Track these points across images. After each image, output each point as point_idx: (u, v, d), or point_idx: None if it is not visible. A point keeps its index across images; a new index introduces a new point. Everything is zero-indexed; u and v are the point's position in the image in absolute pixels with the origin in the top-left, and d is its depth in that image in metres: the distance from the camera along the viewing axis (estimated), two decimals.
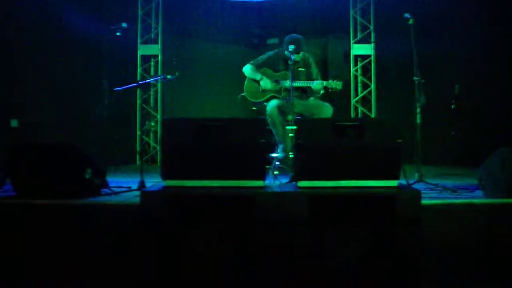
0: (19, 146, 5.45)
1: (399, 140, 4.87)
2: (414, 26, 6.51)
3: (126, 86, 6.87)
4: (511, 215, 4.95)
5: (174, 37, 11.36)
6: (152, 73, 11.28)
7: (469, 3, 9.76)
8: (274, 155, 7.16)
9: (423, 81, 6.37)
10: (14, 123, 8.81)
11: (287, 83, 7.25)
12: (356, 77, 11.30)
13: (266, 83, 7.53)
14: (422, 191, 5.07)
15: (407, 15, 6.54)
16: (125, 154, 10.51)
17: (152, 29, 11.34)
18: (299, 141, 4.88)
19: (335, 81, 7.20)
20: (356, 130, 4.86)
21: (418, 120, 6.35)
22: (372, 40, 11.19)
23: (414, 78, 6.38)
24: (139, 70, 11.20)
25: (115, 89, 6.87)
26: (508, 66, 9.38)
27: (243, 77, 7.73)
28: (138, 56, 11.29)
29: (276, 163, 6.62)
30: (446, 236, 4.86)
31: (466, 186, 6.08)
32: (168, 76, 7.23)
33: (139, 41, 11.28)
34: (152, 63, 11.39)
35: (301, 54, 7.50)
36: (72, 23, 9.43)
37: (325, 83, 7.21)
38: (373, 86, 11.15)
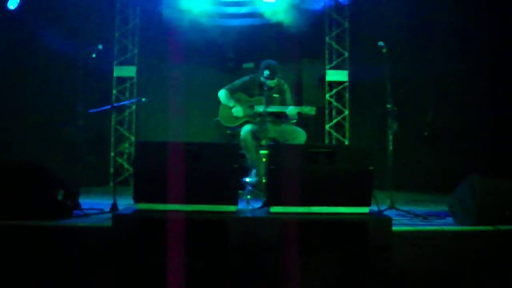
0: None
1: (370, 167, 4.92)
2: (387, 54, 6.60)
3: (101, 108, 6.85)
4: (481, 242, 5.00)
5: (150, 59, 11.33)
6: (127, 95, 11.24)
7: (442, 31, 9.90)
8: (247, 179, 7.16)
9: (395, 108, 6.44)
10: None
11: (261, 109, 7.28)
12: (330, 103, 11.35)
13: (238, 111, 7.58)
14: (394, 218, 5.14)
15: (381, 43, 6.62)
16: (98, 176, 10.45)
17: (129, 51, 11.33)
18: (271, 166, 4.92)
19: (308, 106, 7.25)
20: (328, 156, 4.92)
21: (390, 147, 6.41)
22: (347, 66, 11.28)
23: (387, 105, 6.45)
24: (114, 91, 11.15)
25: (90, 111, 6.85)
26: (481, 93, 9.53)
27: (218, 101, 7.77)
28: (114, 77, 11.25)
29: (249, 187, 6.63)
30: (416, 262, 4.89)
31: (437, 213, 6.14)
32: (143, 99, 7.23)
33: (115, 62, 11.25)
34: (127, 85, 11.35)
35: (275, 80, 7.54)
36: (47, 44, 9.39)
37: (299, 108, 7.26)
38: (347, 112, 11.22)
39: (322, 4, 11.00)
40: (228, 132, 7.92)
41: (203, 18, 10.91)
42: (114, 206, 5.78)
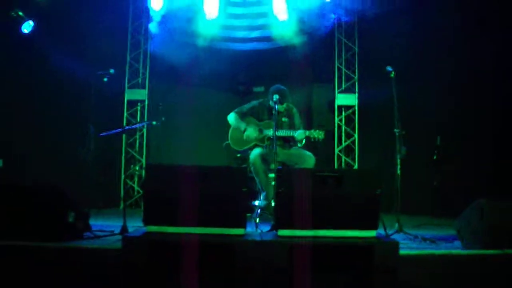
0: (2, 186, 5.47)
1: (378, 191, 4.95)
2: (396, 78, 6.66)
3: (112, 132, 6.95)
4: (489, 266, 5.00)
5: (160, 82, 11.42)
6: (138, 118, 11.33)
7: (451, 53, 9.95)
8: (256, 202, 7.20)
9: (403, 132, 6.49)
10: None
11: (270, 132, 7.33)
12: (340, 126, 11.41)
13: (250, 133, 7.63)
14: (401, 241, 5.17)
15: (389, 68, 6.69)
16: (109, 198, 10.50)
17: (140, 74, 11.44)
18: (280, 190, 4.96)
19: (317, 130, 7.29)
20: (335, 180, 4.96)
21: (398, 171, 6.45)
22: (356, 90, 11.34)
23: (395, 130, 6.50)
24: (125, 114, 11.26)
25: (101, 134, 6.94)
26: (490, 117, 9.54)
27: (228, 124, 7.83)
28: (125, 100, 11.37)
29: (258, 211, 6.66)
30: (424, 286, 4.90)
31: (445, 237, 6.16)
32: (154, 122, 7.31)
33: (126, 85, 11.36)
34: (138, 107, 11.45)
35: (285, 104, 7.58)
36: (60, 67, 9.50)
37: (307, 132, 7.29)
38: (356, 135, 11.26)
39: (331, 25, 11.10)
40: (238, 155, 7.97)
41: (214, 42, 11.03)
42: (124, 228, 5.84)
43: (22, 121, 9.83)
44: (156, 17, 10.48)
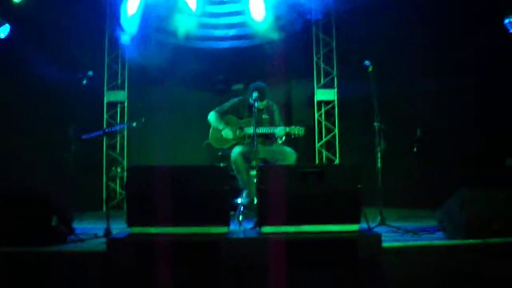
0: None
1: (359, 185, 5.00)
2: (374, 72, 6.71)
3: (93, 134, 6.95)
4: (470, 256, 5.06)
5: (140, 83, 11.38)
6: (118, 119, 11.29)
7: (429, 46, 10.00)
8: (239, 200, 7.20)
9: (382, 126, 6.54)
10: None
11: (250, 130, 7.35)
12: (320, 122, 11.46)
13: (227, 133, 7.66)
14: (384, 234, 5.21)
15: (367, 62, 6.74)
16: (91, 201, 10.47)
17: (119, 76, 11.40)
18: (261, 187, 4.99)
19: (297, 127, 7.31)
20: (317, 176, 4.99)
21: (379, 164, 6.50)
22: (335, 85, 11.39)
23: (374, 124, 6.55)
24: (105, 116, 11.22)
25: (83, 137, 6.94)
26: (470, 108, 9.60)
27: (208, 123, 7.84)
28: (105, 102, 11.33)
29: (241, 208, 6.68)
30: (407, 278, 4.93)
31: (427, 228, 6.20)
32: (134, 124, 7.31)
33: (105, 87, 11.32)
34: (118, 109, 11.41)
35: (265, 101, 7.61)
36: (39, 71, 9.46)
37: (287, 129, 7.31)
38: (337, 130, 11.32)
39: (308, 20, 11.13)
40: (219, 153, 7.98)
41: (192, 41, 11.03)
42: (107, 231, 5.82)
43: (1, 126, 9.77)
44: (128, 27, 10.44)
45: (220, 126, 7.70)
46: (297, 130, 7.28)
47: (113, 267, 4.63)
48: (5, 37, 9.46)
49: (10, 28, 9.46)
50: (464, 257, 5.06)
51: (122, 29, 10.49)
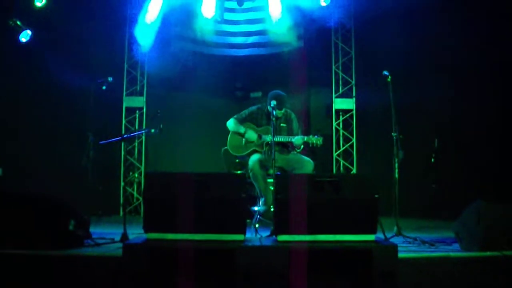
0: (2, 195, 5.49)
1: (376, 195, 4.99)
2: (393, 82, 6.70)
3: (111, 140, 6.98)
4: (487, 268, 5.03)
5: (158, 89, 11.44)
6: (136, 125, 11.35)
7: (448, 57, 9.97)
8: (255, 208, 7.21)
9: (401, 136, 6.53)
10: None
11: (268, 138, 7.36)
12: (337, 131, 11.44)
13: (251, 135, 7.64)
14: (400, 245, 5.19)
15: (385, 72, 6.73)
16: (108, 205, 10.49)
17: (138, 82, 11.45)
18: (278, 195, 4.99)
19: (315, 136, 7.30)
20: (334, 185, 4.99)
21: (396, 174, 6.48)
22: (353, 94, 11.37)
23: (392, 134, 6.54)
24: (123, 121, 11.30)
25: (101, 142, 6.97)
26: (488, 120, 9.57)
27: (227, 130, 7.84)
28: (123, 108, 11.40)
29: (258, 216, 6.68)
30: None
31: (444, 239, 6.17)
32: (152, 130, 7.34)
33: (124, 93, 11.38)
34: (136, 115, 11.47)
35: (283, 110, 7.61)
36: (59, 76, 9.53)
37: (306, 138, 7.30)
38: (354, 139, 11.29)
39: (328, 29, 11.16)
40: (237, 161, 7.99)
41: (210, 48, 11.07)
42: (124, 236, 5.84)
43: (21, 130, 9.88)
44: (147, 34, 10.53)
45: (242, 130, 7.69)
46: (315, 140, 7.27)
47: (128, 272, 4.65)
48: (27, 42, 9.56)
49: (31, 33, 9.55)
50: (481, 269, 5.03)
51: (141, 36, 10.56)
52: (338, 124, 11.47)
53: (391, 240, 5.79)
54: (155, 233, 4.98)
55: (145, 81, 11.50)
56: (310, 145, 7.33)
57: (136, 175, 11.35)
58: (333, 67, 11.58)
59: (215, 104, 11.23)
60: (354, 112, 11.37)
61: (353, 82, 11.40)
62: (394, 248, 4.81)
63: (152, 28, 10.54)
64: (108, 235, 6.16)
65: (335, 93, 11.51)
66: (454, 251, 5.45)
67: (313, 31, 11.11)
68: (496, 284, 4.97)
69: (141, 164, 11.39)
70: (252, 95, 11.48)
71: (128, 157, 11.34)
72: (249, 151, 7.64)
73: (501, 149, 9.28)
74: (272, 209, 6.66)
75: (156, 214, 4.99)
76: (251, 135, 7.64)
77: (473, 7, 9.52)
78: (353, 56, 11.45)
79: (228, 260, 4.65)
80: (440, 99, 9.92)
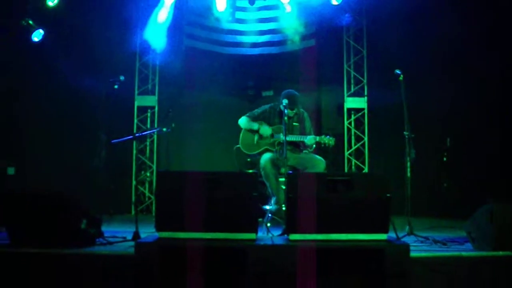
0: (14, 194, 5.52)
1: (388, 194, 4.98)
2: (405, 81, 6.68)
3: (123, 139, 7.00)
4: (499, 268, 5.02)
5: (170, 88, 11.44)
6: (148, 124, 11.37)
7: (459, 57, 9.93)
8: (267, 207, 7.21)
9: (413, 135, 6.51)
10: (10, 170, 8.86)
11: (281, 137, 7.36)
12: (349, 130, 11.40)
13: (265, 130, 7.65)
14: (412, 244, 5.18)
15: (397, 71, 6.71)
16: (120, 204, 10.53)
17: (150, 80, 11.47)
18: (290, 194, 4.99)
19: (328, 137, 7.31)
20: (345, 184, 4.99)
21: (408, 174, 6.47)
22: (365, 93, 11.34)
23: (404, 132, 6.52)
24: (135, 120, 11.32)
25: (112, 141, 6.99)
26: (501, 118, 9.53)
27: (238, 128, 7.86)
28: (135, 107, 11.42)
29: (269, 215, 6.68)
30: None
31: (456, 239, 6.16)
32: (164, 129, 7.36)
33: (136, 92, 11.40)
34: (148, 114, 11.50)
35: (295, 109, 7.61)
36: (71, 75, 9.57)
37: (318, 138, 7.31)
38: (366, 138, 11.25)
39: (339, 28, 11.16)
40: (249, 159, 7.99)
41: (222, 47, 11.08)
42: (136, 234, 5.86)
43: (33, 129, 9.92)
44: (159, 33, 10.54)
45: (255, 126, 7.69)
46: (328, 140, 7.28)
47: (140, 271, 4.66)
48: (39, 41, 9.61)
49: (43, 33, 9.60)
50: (493, 269, 5.02)
51: (153, 35, 10.57)
52: (350, 123, 11.42)
53: (403, 239, 5.78)
54: (167, 231, 5.00)
55: (156, 80, 11.50)
56: (322, 145, 7.33)
57: (148, 174, 11.37)
58: (345, 65, 11.53)
59: (227, 103, 11.23)
60: (365, 111, 11.32)
61: (365, 81, 11.35)
62: (406, 247, 4.81)
63: (164, 26, 10.55)
64: (120, 233, 6.19)
65: (347, 92, 11.46)
66: (466, 251, 5.45)
67: (325, 30, 11.11)
68: (508, 283, 4.95)
69: (153, 163, 11.40)
70: (264, 93, 11.46)
71: (140, 156, 11.36)
72: (261, 149, 7.64)
73: None
74: (283, 208, 6.67)
75: (168, 213, 5.01)
76: (266, 130, 7.64)
77: (488, 5, 9.47)
78: (365, 55, 11.40)
79: (239, 259, 4.66)
80: (452, 98, 9.87)
